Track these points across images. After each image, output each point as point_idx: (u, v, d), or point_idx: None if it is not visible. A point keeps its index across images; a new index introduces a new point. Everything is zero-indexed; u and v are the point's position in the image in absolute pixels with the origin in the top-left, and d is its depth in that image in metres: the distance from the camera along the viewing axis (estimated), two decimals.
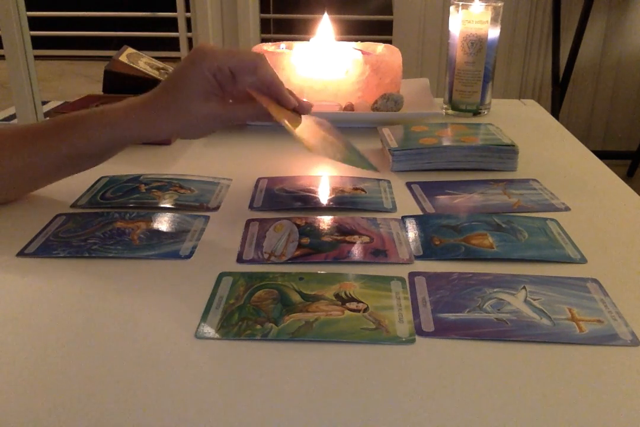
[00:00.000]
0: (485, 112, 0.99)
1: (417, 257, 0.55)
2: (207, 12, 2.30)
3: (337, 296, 0.48)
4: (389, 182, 0.72)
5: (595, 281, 0.51)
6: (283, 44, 0.99)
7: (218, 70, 0.60)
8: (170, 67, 1.03)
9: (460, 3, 0.93)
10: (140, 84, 0.96)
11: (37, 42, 2.53)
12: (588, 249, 0.56)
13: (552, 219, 0.62)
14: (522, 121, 0.97)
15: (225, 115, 0.63)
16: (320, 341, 0.43)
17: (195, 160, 0.80)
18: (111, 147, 0.64)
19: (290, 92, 0.65)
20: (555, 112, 2.31)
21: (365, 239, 0.58)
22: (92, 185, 0.70)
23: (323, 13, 0.94)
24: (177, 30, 3.28)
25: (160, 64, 1.05)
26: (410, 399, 0.38)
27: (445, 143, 0.76)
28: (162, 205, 0.65)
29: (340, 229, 0.59)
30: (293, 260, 0.54)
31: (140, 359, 0.42)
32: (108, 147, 0.64)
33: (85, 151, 0.63)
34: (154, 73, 1.00)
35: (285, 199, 0.67)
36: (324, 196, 0.67)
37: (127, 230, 0.59)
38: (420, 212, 0.64)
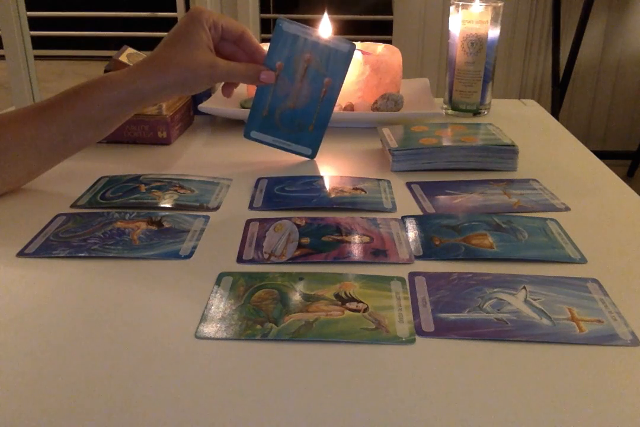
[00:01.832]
0: (485, 112, 0.99)
1: (417, 257, 0.55)
2: None
3: (337, 296, 0.48)
4: (389, 182, 0.72)
5: (595, 281, 0.51)
6: None
7: (213, 25, 0.67)
8: None
9: (460, 3, 0.93)
10: None
11: (37, 42, 2.53)
12: (588, 249, 0.56)
13: (552, 219, 0.62)
14: (522, 121, 0.98)
15: (222, 66, 0.67)
16: (320, 341, 0.43)
17: (195, 160, 0.80)
18: (115, 111, 0.66)
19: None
20: (555, 112, 2.32)
21: (365, 239, 0.58)
22: (92, 185, 0.70)
23: (323, 13, 0.94)
24: None
25: None
26: (411, 399, 0.38)
27: (445, 143, 0.76)
28: (162, 205, 0.65)
29: (340, 229, 0.59)
30: (293, 260, 0.54)
31: (140, 359, 0.42)
32: (112, 110, 0.65)
33: (90, 115, 0.64)
34: None
35: (285, 199, 0.67)
36: (323, 196, 0.67)
37: (127, 230, 0.59)
38: (420, 212, 0.64)
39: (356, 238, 0.58)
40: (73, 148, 0.67)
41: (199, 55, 0.65)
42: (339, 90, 0.72)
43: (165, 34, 0.68)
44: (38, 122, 0.63)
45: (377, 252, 0.55)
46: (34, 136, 0.63)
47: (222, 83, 0.76)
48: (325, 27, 0.94)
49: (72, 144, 0.67)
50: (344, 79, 0.72)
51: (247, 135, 0.75)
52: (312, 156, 0.76)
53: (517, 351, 0.43)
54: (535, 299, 0.48)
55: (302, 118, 0.73)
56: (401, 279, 0.51)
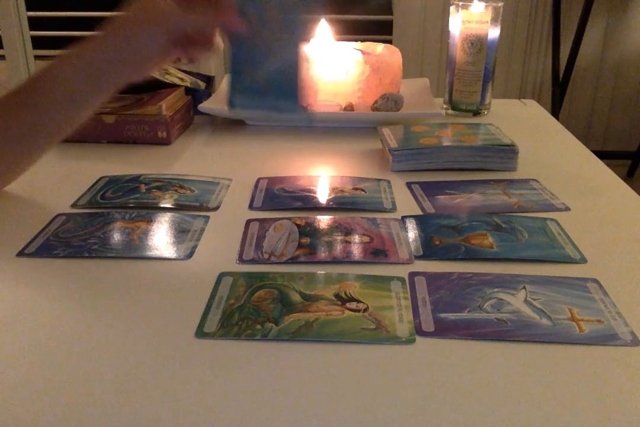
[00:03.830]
0: (485, 112, 0.99)
1: (417, 257, 0.55)
2: None
3: (337, 296, 0.48)
4: (389, 182, 0.72)
5: (595, 281, 0.51)
6: None
7: None
8: (170, 68, 1.03)
9: (460, 3, 0.93)
10: (139, 83, 0.95)
11: (37, 42, 2.53)
12: (588, 249, 0.56)
13: (552, 219, 0.62)
14: (522, 121, 0.97)
15: (177, 14, 0.61)
16: (320, 341, 0.43)
17: (195, 160, 0.80)
18: (79, 86, 0.62)
19: None
20: (555, 112, 2.31)
21: (365, 239, 0.58)
22: (92, 185, 0.70)
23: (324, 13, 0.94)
24: None
25: None
26: (410, 399, 0.38)
27: (445, 143, 0.76)
28: (162, 205, 0.65)
29: (340, 229, 0.59)
30: (293, 260, 0.54)
31: (140, 359, 0.42)
32: (73, 85, 0.62)
33: (53, 95, 0.61)
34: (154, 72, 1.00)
35: (285, 199, 0.67)
36: (324, 196, 0.67)
37: (127, 230, 0.59)
38: (420, 212, 0.64)
39: (356, 238, 0.58)
40: (49, 135, 0.64)
41: (150, 9, 0.61)
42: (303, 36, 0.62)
43: None
44: (3, 113, 0.61)
45: (377, 252, 0.55)
46: (2, 128, 0.61)
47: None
48: (324, 28, 0.94)
49: (45, 129, 0.63)
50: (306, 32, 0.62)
51: (232, 105, 0.65)
52: (309, 121, 0.67)
53: (517, 351, 0.43)
54: (535, 299, 0.48)
55: (287, 72, 0.63)
56: (401, 279, 0.51)
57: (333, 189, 0.69)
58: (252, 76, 0.64)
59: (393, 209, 0.65)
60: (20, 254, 0.55)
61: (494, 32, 0.94)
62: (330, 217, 0.62)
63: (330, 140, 0.87)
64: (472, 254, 0.55)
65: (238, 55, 0.63)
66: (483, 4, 0.92)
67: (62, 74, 0.62)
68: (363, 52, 0.94)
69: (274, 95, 0.64)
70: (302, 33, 0.62)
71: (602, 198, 0.68)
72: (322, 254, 0.55)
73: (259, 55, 0.63)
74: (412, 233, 0.59)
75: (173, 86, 0.91)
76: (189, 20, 0.61)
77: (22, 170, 0.67)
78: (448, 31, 0.97)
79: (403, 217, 0.63)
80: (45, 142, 0.65)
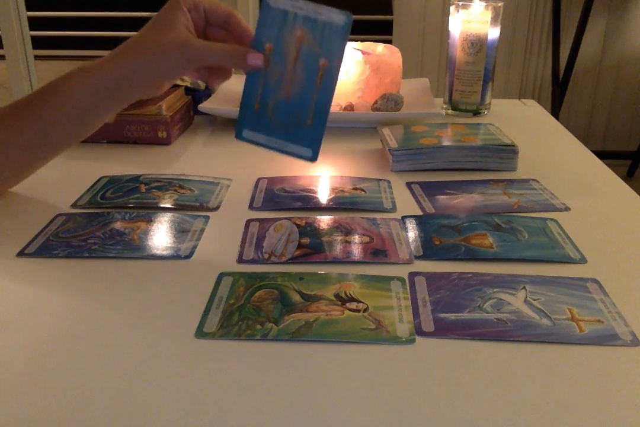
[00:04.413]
0: (485, 112, 0.99)
1: (417, 257, 0.55)
2: None
3: (337, 296, 0.48)
4: (389, 182, 0.72)
5: (595, 281, 0.51)
6: None
7: (193, 7, 0.62)
8: None
9: (460, 3, 0.93)
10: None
11: (37, 42, 2.53)
12: (588, 249, 0.56)
13: (552, 219, 0.62)
14: (522, 121, 0.98)
15: (197, 45, 0.61)
16: (320, 341, 0.43)
17: (195, 160, 0.80)
18: (90, 101, 0.62)
19: None
20: (555, 112, 2.32)
21: (365, 239, 0.58)
22: (92, 185, 0.70)
23: None
24: None
25: None
26: (410, 399, 0.38)
27: (445, 143, 0.76)
28: (162, 206, 0.65)
29: (340, 229, 0.59)
30: (293, 260, 0.54)
31: (140, 359, 0.42)
32: (86, 101, 0.62)
33: (65, 109, 0.61)
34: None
35: (285, 199, 0.67)
36: (324, 196, 0.67)
37: (127, 230, 0.59)
38: (420, 212, 0.64)
39: (356, 238, 0.58)
40: (55, 146, 0.65)
41: (172, 35, 0.60)
42: (337, 74, 0.61)
43: None
44: (13, 121, 0.62)
45: (377, 252, 0.55)
46: (10, 136, 0.62)
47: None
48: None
49: (52, 141, 0.64)
50: (341, 59, 0.61)
51: (239, 136, 0.65)
52: (313, 159, 0.64)
53: (517, 351, 0.43)
54: (535, 299, 0.48)
55: (298, 110, 0.63)
56: (401, 279, 0.51)
57: (333, 189, 0.69)
58: (262, 111, 0.63)
59: (393, 209, 0.65)
60: (20, 254, 0.55)
61: (494, 32, 0.94)
62: (330, 217, 0.62)
63: (330, 140, 0.86)
64: (472, 254, 0.55)
65: (251, 88, 0.62)
66: (483, 4, 0.92)
67: (72, 89, 0.62)
68: (363, 52, 0.94)
69: (280, 129, 0.63)
70: (318, 68, 0.61)
71: (602, 198, 0.68)
72: (322, 254, 0.55)
73: (270, 84, 0.62)
74: (412, 233, 0.59)
75: (173, 86, 0.91)
76: (208, 52, 0.61)
77: (26, 175, 0.67)
78: (448, 31, 0.97)
79: (403, 217, 0.63)
80: (51, 151, 0.66)
